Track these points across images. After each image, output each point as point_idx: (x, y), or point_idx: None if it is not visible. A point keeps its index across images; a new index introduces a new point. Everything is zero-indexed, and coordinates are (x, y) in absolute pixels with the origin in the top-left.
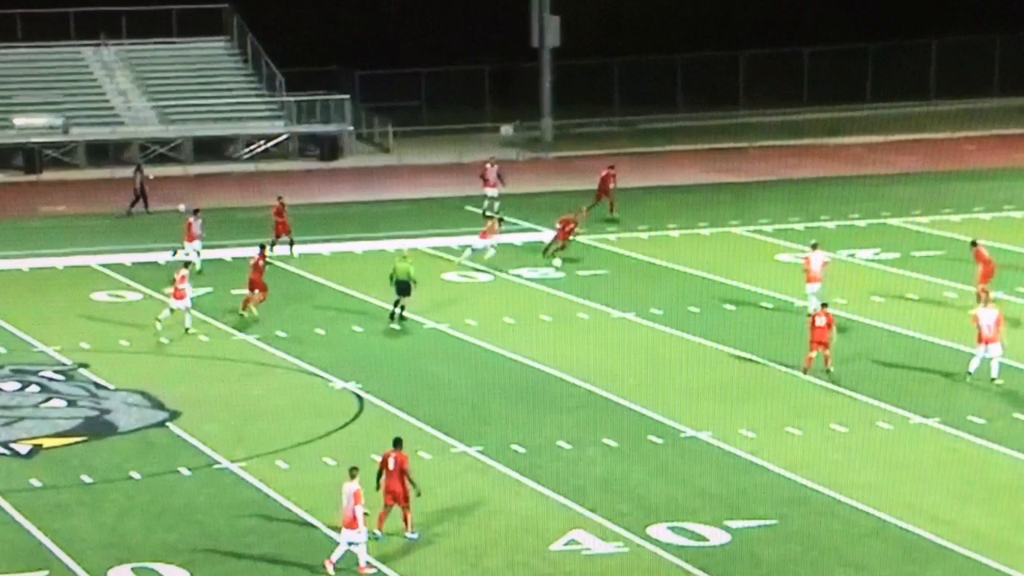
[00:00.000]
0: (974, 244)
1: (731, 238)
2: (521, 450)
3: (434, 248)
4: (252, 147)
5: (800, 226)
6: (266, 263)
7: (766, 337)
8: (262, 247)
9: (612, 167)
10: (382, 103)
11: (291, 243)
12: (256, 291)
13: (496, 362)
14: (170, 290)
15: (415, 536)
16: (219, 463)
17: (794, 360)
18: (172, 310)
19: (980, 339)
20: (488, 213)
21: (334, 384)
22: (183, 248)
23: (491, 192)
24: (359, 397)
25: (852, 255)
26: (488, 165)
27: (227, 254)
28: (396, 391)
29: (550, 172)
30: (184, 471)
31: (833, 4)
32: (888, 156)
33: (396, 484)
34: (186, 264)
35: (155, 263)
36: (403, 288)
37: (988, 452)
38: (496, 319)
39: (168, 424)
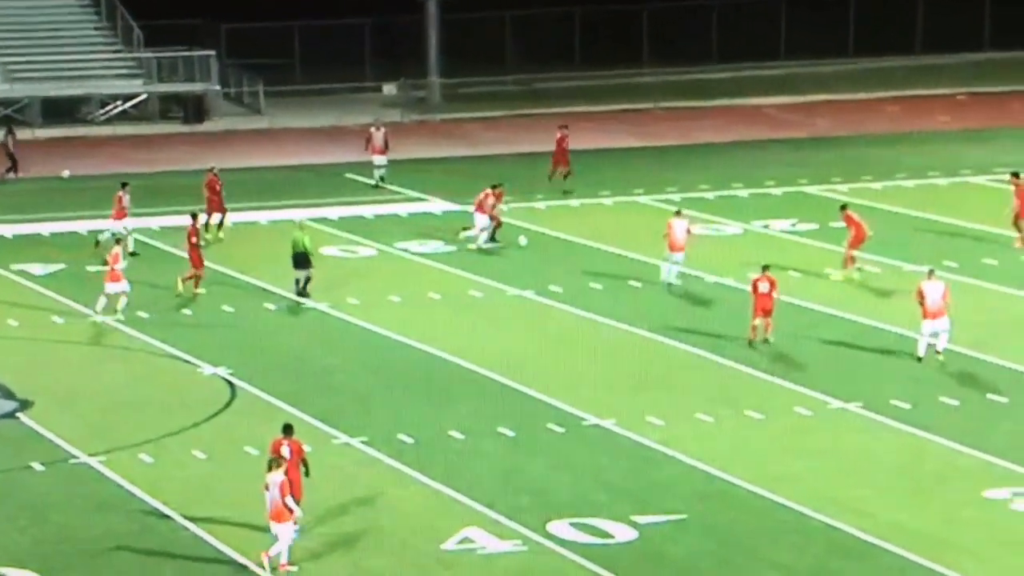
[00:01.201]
0: (843, 208)
1: (636, 208)
2: (409, 441)
3: (312, 220)
4: (108, 108)
5: (711, 195)
6: (198, 237)
7: (674, 316)
8: (194, 216)
9: (565, 126)
10: (252, 60)
11: (221, 223)
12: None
13: (381, 344)
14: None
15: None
16: (76, 457)
17: (704, 341)
18: (108, 295)
19: (925, 314)
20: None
21: (202, 370)
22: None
23: (378, 159)
24: (230, 384)
25: (767, 226)
26: (373, 129)
27: (81, 226)
28: (271, 377)
29: (438, 136)
30: (37, 466)
31: None
32: (804, 118)
33: (294, 474)
34: (118, 241)
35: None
36: (298, 261)
37: (914, 439)
38: (381, 298)
39: (19, 415)
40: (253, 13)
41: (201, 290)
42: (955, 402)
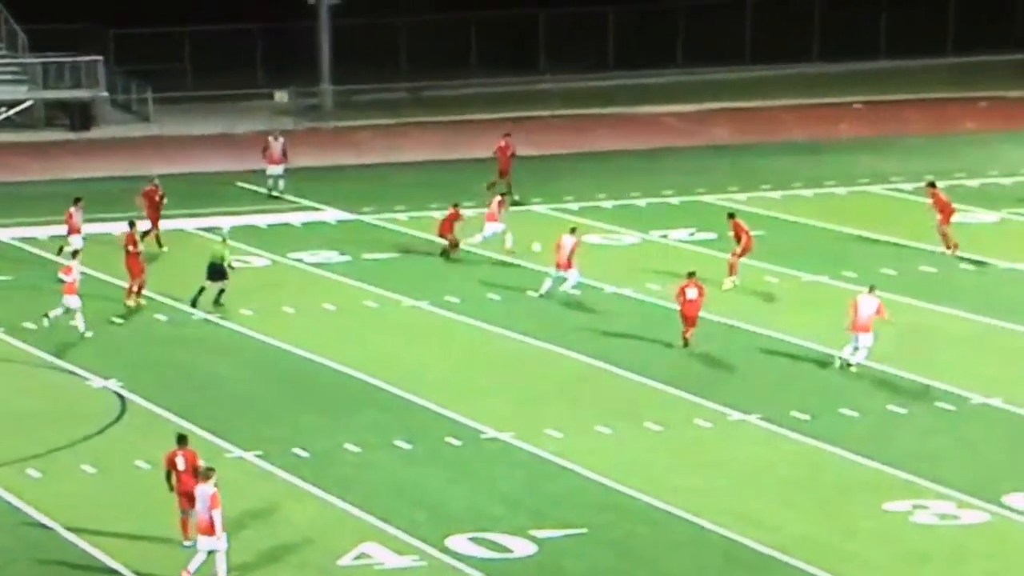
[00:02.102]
0: (731, 216)
1: (533, 217)
2: (304, 455)
3: (201, 229)
4: None
5: (608, 203)
6: (136, 246)
7: (572, 327)
8: (131, 224)
9: (508, 135)
10: (140, 66)
11: (157, 237)
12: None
13: (275, 356)
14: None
15: (191, 544)
16: None
17: (603, 352)
18: (67, 309)
19: (853, 327)
20: (500, 191)
21: (92, 383)
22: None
23: (274, 169)
24: (120, 397)
25: (665, 236)
26: (272, 139)
27: None
28: (162, 390)
29: (331, 144)
30: None
31: None
32: (701, 127)
33: (189, 484)
34: (74, 254)
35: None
36: (213, 272)
37: (814, 451)
38: (274, 308)
39: None
40: (142, 18)
41: (142, 300)
42: (855, 414)
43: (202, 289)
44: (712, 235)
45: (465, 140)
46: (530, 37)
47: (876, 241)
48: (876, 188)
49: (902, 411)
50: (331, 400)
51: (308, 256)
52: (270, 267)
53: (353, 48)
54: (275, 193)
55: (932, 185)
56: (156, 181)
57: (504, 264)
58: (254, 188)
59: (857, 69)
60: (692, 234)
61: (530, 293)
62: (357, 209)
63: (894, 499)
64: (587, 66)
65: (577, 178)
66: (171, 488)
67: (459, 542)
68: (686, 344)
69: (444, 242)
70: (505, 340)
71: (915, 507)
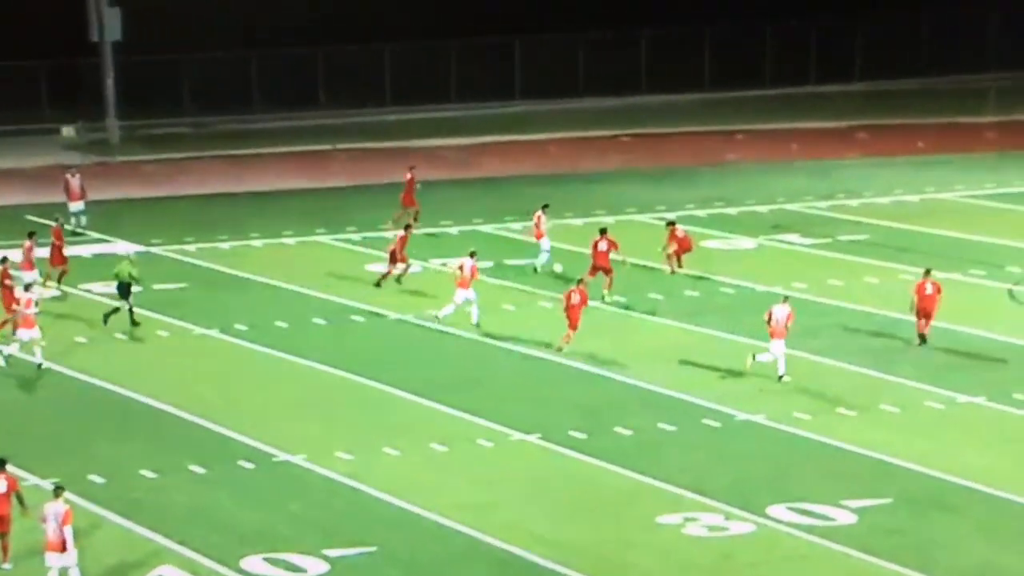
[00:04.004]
0: (603, 231)
1: (318, 247)
2: (100, 480)
3: None
4: None
5: (390, 234)
6: (9, 277)
7: (359, 352)
8: (31, 235)
9: (413, 167)
10: None
11: (61, 275)
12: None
13: (69, 385)
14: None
15: (8, 567)
16: None
17: (390, 377)
18: (23, 342)
19: (772, 335)
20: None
21: None
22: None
23: (75, 206)
24: None
25: (444, 264)
26: (69, 176)
27: None
28: None
29: (118, 177)
30: None
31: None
32: (480, 158)
33: (5, 508)
34: (27, 287)
35: None
36: (122, 290)
37: (590, 467)
38: (66, 339)
39: None
40: None
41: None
42: (628, 432)
43: (116, 309)
44: (489, 263)
45: (249, 173)
46: (309, 74)
47: (645, 268)
48: (643, 217)
49: (671, 428)
50: (125, 427)
51: (99, 287)
52: (61, 298)
53: (138, 84)
54: (79, 229)
55: (672, 224)
56: (61, 221)
57: (290, 292)
58: (42, 221)
59: (620, 104)
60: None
61: (317, 321)
62: (146, 241)
63: (667, 512)
64: (365, 101)
65: (358, 209)
66: None
67: (254, 562)
68: (560, 350)
69: (401, 266)
70: (294, 366)
71: (686, 519)
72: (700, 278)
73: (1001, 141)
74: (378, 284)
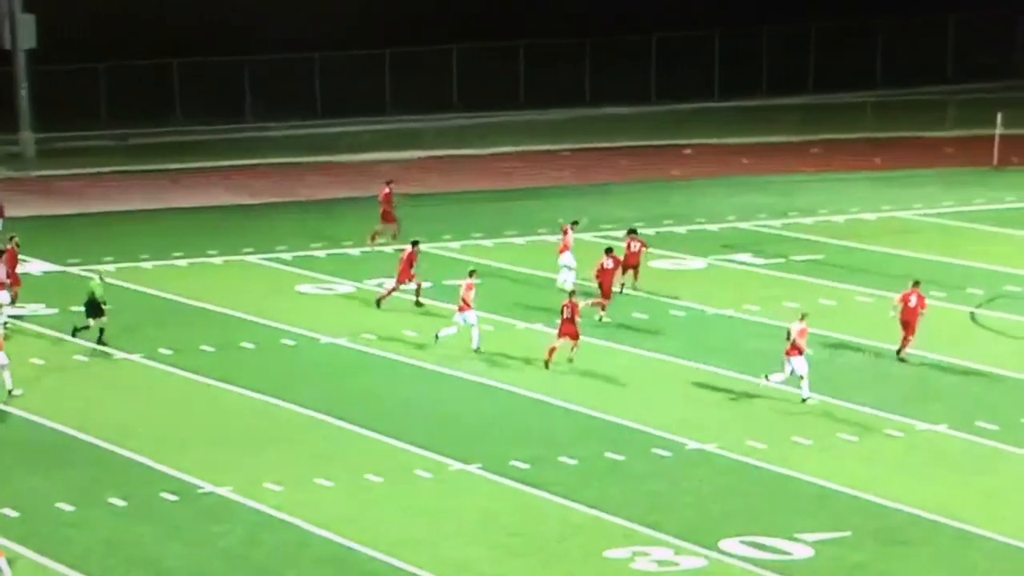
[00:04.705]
0: (632, 231)
1: (246, 267)
2: (14, 514)
3: None
4: None
5: (322, 253)
6: None
7: (288, 378)
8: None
9: (391, 181)
10: None
11: (13, 299)
12: None
13: None
14: None
15: None
16: None
17: (320, 403)
18: None
19: (788, 353)
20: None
21: None
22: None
23: None
24: None
25: (380, 284)
26: None
27: None
28: None
29: (33, 193)
30: None
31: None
32: (416, 174)
33: None
34: None
35: None
36: (91, 309)
37: (534, 499)
38: None
39: None
40: None
41: None
42: (574, 461)
43: (86, 327)
44: (427, 284)
45: (172, 189)
46: (234, 85)
47: (587, 289)
48: (588, 236)
49: (619, 458)
50: (42, 458)
51: (12, 310)
52: None
53: (54, 94)
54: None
55: (632, 232)
56: (15, 239)
57: (216, 314)
58: None
59: (566, 116)
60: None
61: (245, 345)
62: (63, 261)
63: (615, 546)
64: (292, 114)
65: (288, 227)
66: None
67: None
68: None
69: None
70: (221, 392)
71: (635, 554)
72: (649, 299)
73: (961, 157)
74: (378, 304)
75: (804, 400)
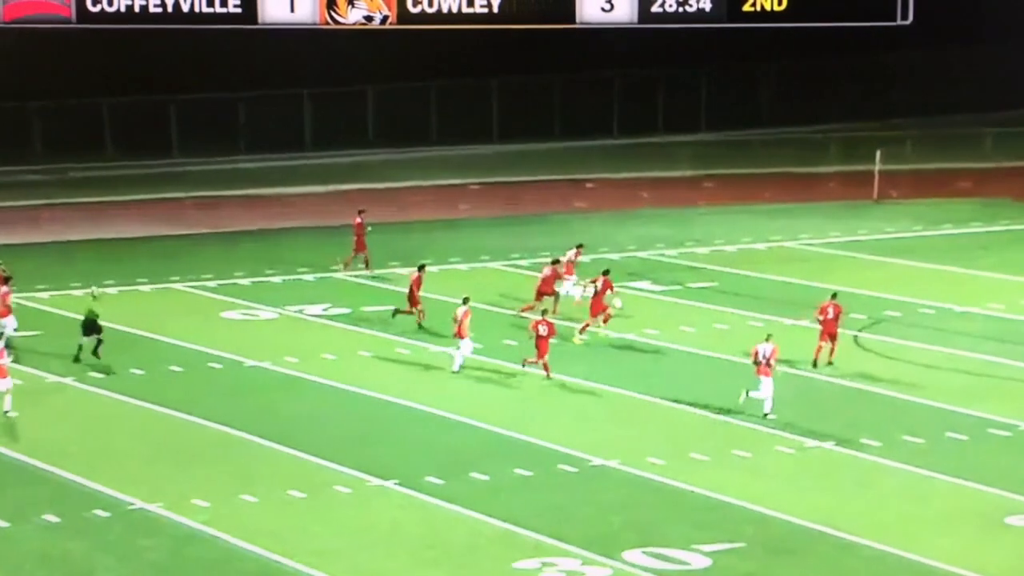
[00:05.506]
0: (606, 272)
1: (173, 294)
2: None
3: None
4: None
5: (246, 281)
6: None
7: (213, 398)
8: None
9: (363, 211)
10: None
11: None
12: None
13: None
14: None
15: None
16: None
17: (245, 423)
18: None
19: (759, 372)
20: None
21: None
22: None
23: None
24: None
25: (301, 311)
26: None
27: None
28: None
29: None
30: None
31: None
32: (331, 206)
33: None
34: None
35: None
36: (87, 328)
37: (446, 512)
38: None
39: None
40: None
41: None
42: (485, 477)
43: (80, 347)
44: (346, 310)
45: (103, 220)
46: (162, 121)
47: (495, 314)
48: (496, 264)
49: (528, 473)
50: None
51: None
52: None
53: None
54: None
55: (556, 261)
56: (4, 270)
57: (144, 339)
58: None
59: (472, 153)
60: (326, 309)
61: (173, 368)
62: None
63: (524, 558)
64: (218, 149)
65: (215, 256)
66: None
67: None
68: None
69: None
70: (150, 413)
71: (544, 564)
72: (557, 323)
73: (843, 191)
74: (394, 315)
75: (766, 415)
